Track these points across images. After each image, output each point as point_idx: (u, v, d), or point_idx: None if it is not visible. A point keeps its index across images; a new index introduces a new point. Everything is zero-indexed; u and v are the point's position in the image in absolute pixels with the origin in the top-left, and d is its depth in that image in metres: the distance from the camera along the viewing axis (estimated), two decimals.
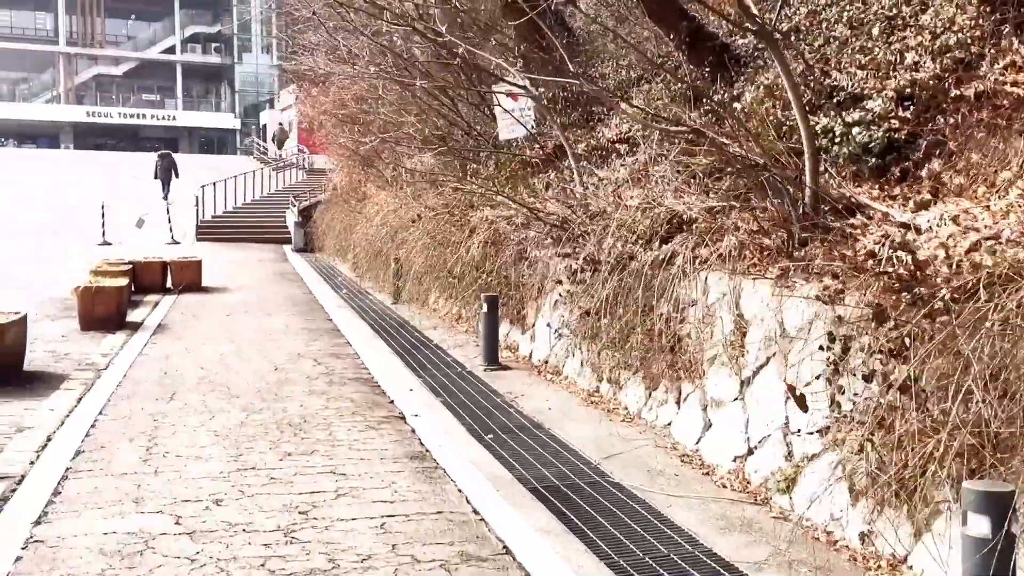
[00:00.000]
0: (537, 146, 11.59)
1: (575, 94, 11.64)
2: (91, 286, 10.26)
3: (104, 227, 24.09)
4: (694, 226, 6.26)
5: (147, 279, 14.56)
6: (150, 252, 21.32)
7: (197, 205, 25.63)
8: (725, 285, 5.70)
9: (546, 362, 8.42)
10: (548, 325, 8.53)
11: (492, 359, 8.52)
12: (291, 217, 25.99)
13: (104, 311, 10.34)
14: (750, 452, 5.17)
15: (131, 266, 13.83)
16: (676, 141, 7.79)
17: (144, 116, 62.63)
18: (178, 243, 24.03)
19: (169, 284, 15.02)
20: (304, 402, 7.04)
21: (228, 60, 66.22)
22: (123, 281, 10.72)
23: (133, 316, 11.71)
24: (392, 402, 7.20)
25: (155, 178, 29.88)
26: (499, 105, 12.37)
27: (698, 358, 5.85)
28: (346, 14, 13.17)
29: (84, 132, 60.06)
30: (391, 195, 16.99)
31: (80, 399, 6.98)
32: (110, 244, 23.29)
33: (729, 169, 6.56)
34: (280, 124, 53.98)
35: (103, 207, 24.34)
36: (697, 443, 5.70)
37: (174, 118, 62.57)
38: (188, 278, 14.78)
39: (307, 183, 32.79)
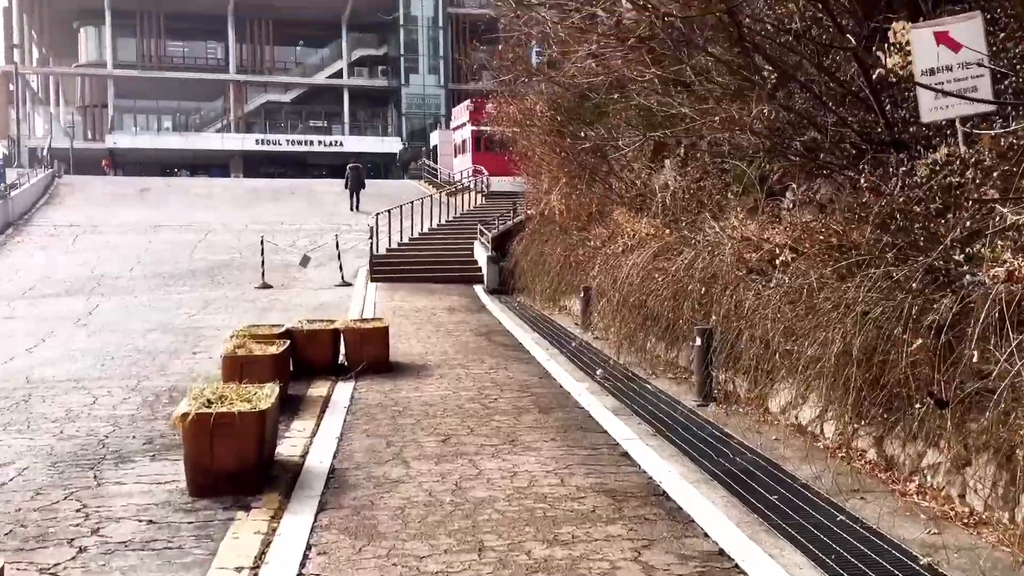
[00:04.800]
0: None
1: None
2: (208, 413, 5.38)
3: (264, 267, 20.03)
4: None
5: (312, 354, 9.85)
6: (316, 299, 17.05)
7: (372, 237, 21.25)
8: None
9: None
10: None
11: None
12: (482, 251, 21.20)
13: (232, 458, 5.44)
14: None
15: (288, 341, 9.10)
16: None
17: (311, 143, 60.59)
18: (350, 284, 19.70)
19: (343, 358, 10.28)
20: None
21: (395, 82, 63.50)
22: (266, 399, 5.78)
23: (286, 444, 6.85)
24: None
25: (345, 188, 31.45)
26: (915, 66, 6.93)
27: None
28: None
29: (253, 160, 58.47)
30: (651, 223, 11.70)
31: None
32: (271, 287, 19.26)
33: None
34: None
35: (262, 243, 20.30)
36: None
37: (341, 144, 60.10)
38: (369, 353, 9.94)
39: (487, 208, 28.40)
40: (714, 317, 8.11)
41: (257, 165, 57.67)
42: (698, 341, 8.11)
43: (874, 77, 7.79)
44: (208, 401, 5.61)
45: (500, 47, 15.01)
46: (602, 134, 13.23)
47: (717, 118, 7.97)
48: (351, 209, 30.48)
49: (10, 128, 55.90)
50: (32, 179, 33.87)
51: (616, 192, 14.63)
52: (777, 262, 7.14)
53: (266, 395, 5.91)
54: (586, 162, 14.88)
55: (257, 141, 59.60)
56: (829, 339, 5.61)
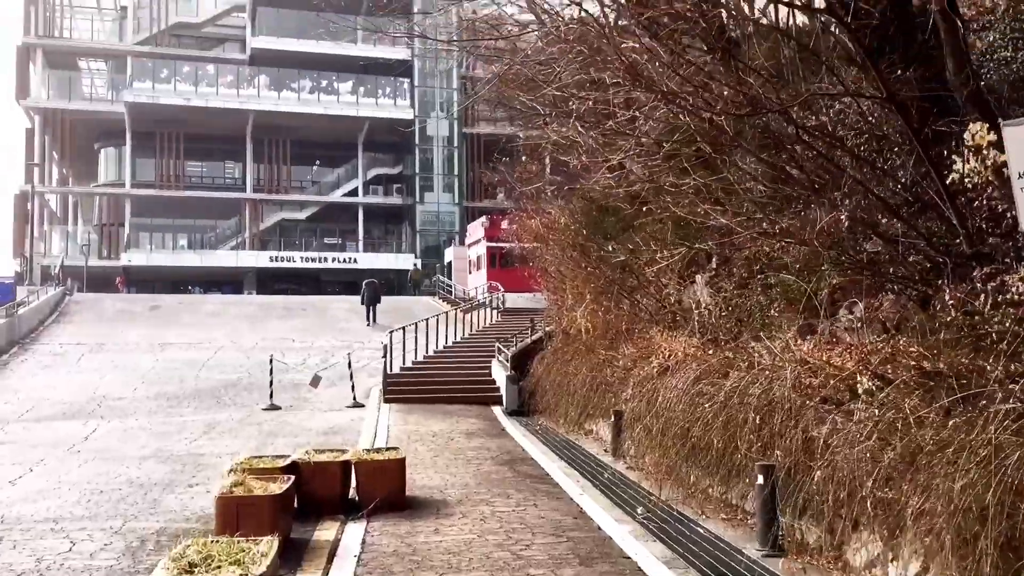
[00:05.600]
0: None
1: None
2: None
3: (272, 387, 19.13)
4: None
5: (319, 489, 8.84)
6: (326, 422, 16.10)
7: (385, 355, 20.40)
8: None
9: None
10: None
11: None
12: (500, 370, 20.25)
13: None
14: None
15: (292, 477, 8.11)
16: None
17: (325, 260, 60.58)
18: (362, 405, 18.72)
19: (354, 491, 9.26)
20: None
21: (410, 200, 63.93)
22: (261, 561, 4.78)
23: None
24: None
25: (362, 303, 32.05)
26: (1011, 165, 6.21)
27: None
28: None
29: (267, 277, 58.39)
30: (688, 342, 10.83)
31: None
32: (279, 408, 18.30)
33: None
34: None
35: (271, 362, 19.48)
36: None
37: (355, 260, 60.08)
38: (383, 489, 8.92)
39: (504, 325, 27.64)
40: (778, 452, 7.12)
41: (271, 282, 57.53)
42: (760, 479, 7.09)
43: (947, 182, 7.07)
44: (190, 565, 4.63)
45: (524, 158, 14.52)
46: (636, 246, 12.50)
47: (778, 228, 7.17)
48: (367, 322, 31.19)
49: (25, 246, 56.16)
50: (41, 297, 33.41)
51: (645, 309, 13.84)
52: (860, 391, 6.20)
53: (261, 554, 4.93)
54: (614, 277, 14.13)
55: (271, 258, 59.63)
56: (944, 487, 4.63)
